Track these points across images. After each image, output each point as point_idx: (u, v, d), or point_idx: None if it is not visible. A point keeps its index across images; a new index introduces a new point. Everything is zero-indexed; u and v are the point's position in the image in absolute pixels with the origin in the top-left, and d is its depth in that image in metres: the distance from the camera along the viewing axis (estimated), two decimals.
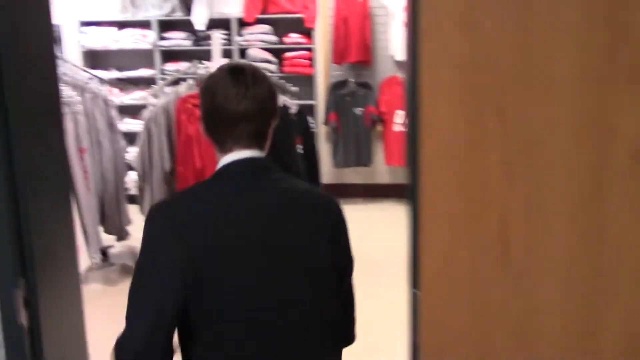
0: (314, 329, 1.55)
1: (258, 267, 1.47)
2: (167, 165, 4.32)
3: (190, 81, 4.42)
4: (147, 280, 1.43)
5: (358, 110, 6.77)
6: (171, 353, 1.45)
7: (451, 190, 1.51)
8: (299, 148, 5.10)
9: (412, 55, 1.49)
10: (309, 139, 5.19)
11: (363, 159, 6.86)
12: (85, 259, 4.55)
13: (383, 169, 7.11)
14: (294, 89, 4.85)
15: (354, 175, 7.21)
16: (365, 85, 6.85)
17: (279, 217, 1.51)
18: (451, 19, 1.43)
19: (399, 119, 6.73)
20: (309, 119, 5.44)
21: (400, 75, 6.80)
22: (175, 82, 4.54)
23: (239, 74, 1.51)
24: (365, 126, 6.79)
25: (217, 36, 4.32)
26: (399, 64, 6.77)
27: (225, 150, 1.54)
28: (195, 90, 4.38)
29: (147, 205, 4.47)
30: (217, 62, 4.37)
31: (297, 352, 1.53)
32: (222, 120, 1.51)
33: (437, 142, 1.49)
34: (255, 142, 1.54)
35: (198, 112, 1.67)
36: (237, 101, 1.49)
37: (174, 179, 4.42)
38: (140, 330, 1.41)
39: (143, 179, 4.42)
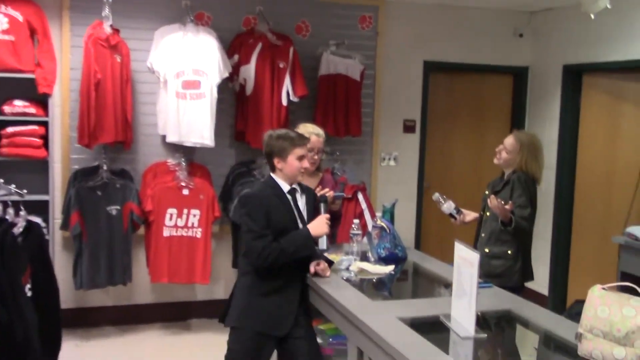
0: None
1: None
2: None
3: None
4: None
5: (113, 209, 4.90)
6: None
7: None
8: (27, 288, 3.20)
9: None
10: (44, 268, 3.30)
11: (118, 276, 4.95)
12: None
13: (146, 287, 5.28)
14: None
15: (103, 297, 5.24)
16: (123, 175, 5.04)
17: None
18: None
19: (171, 220, 5.01)
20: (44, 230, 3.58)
21: (172, 160, 5.13)
22: None
23: None
24: (122, 231, 4.92)
25: None
26: (170, 146, 5.11)
27: None
28: None
29: None
30: None
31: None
32: None
33: None
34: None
35: None
36: None
37: None
38: None
39: None
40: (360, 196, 5.39)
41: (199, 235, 5.05)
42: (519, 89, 6.37)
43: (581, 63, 5.71)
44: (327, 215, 3.29)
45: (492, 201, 3.50)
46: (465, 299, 2.52)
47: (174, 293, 5.42)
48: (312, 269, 3.27)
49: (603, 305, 2.23)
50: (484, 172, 6.33)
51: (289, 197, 3.33)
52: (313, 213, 3.39)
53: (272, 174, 3.35)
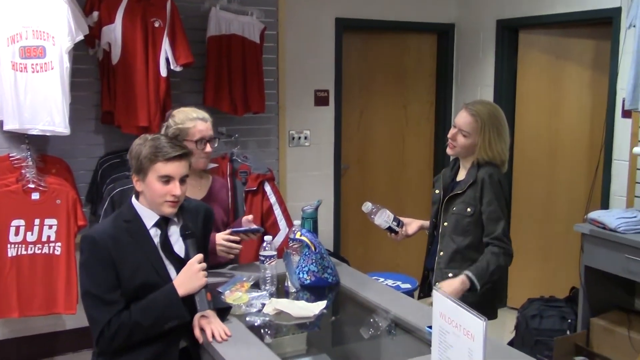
0: None
1: None
2: None
3: None
4: None
5: None
6: None
7: None
8: None
9: None
10: None
11: None
12: None
13: None
14: None
15: None
16: None
17: None
18: None
19: (17, 234, 3.76)
20: None
21: (16, 154, 3.88)
22: None
23: None
24: None
25: None
26: (14, 135, 3.85)
27: None
28: None
29: None
30: None
31: None
32: None
33: None
34: None
35: None
36: None
37: None
38: None
39: None
40: (267, 187, 4.35)
41: (58, 251, 3.84)
42: (445, 49, 5.49)
43: (517, 17, 4.88)
44: (199, 256, 2.15)
45: (444, 287, 2.44)
46: None
47: (33, 324, 4.20)
48: (196, 332, 2.15)
49: None
50: (408, 147, 5.46)
51: (154, 232, 2.22)
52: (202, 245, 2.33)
53: (132, 200, 2.27)
